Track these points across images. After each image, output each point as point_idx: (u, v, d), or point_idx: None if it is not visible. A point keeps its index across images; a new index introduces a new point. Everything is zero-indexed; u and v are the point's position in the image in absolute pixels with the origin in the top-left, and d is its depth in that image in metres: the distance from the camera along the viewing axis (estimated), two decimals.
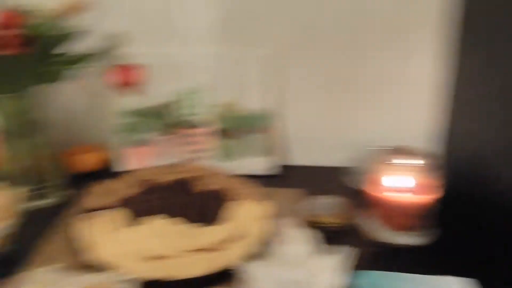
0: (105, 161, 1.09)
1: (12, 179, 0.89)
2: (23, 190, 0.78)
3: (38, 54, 0.75)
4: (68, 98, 1.11)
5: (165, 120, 1.04)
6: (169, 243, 0.74)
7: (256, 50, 1.03)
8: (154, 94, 0.94)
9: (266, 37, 1.04)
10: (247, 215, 0.81)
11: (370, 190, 0.82)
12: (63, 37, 0.82)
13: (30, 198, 0.79)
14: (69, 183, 0.99)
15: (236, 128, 1.05)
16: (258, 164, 1.07)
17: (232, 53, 1.04)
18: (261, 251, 0.74)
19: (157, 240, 0.75)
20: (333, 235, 0.80)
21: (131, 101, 1.02)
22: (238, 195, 0.88)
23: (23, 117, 0.85)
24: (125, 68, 0.78)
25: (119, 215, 0.84)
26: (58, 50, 0.82)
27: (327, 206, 0.88)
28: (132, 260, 0.72)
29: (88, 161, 1.05)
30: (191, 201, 0.88)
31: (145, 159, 1.06)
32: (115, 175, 1.06)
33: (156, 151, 1.07)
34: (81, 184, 1.01)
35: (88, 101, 1.13)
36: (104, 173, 1.07)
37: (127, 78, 0.77)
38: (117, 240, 0.78)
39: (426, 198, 0.79)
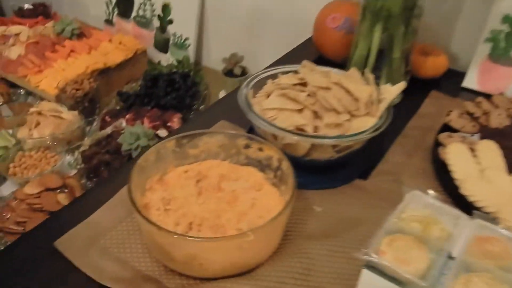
0: (448, 71, 0.89)
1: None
2: (396, 86, 0.64)
3: None
4: None
5: None
6: None
7: None
8: None
9: None
10: None
11: None
12: None
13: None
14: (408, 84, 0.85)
15: None
16: None
17: None
18: None
19: None
20: None
21: None
22: None
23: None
24: None
25: (488, 148, 0.65)
26: None
27: None
28: None
29: (432, 65, 0.87)
30: None
31: (507, 83, 0.83)
32: (459, 91, 0.87)
33: None
34: (421, 88, 0.86)
35: None
36: (447, 85, 0.89)
37: None
38: (493, 183, 0.61)
39: None
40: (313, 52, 0.98)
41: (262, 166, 0.60)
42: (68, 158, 1.05)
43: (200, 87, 1.22)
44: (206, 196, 0.57)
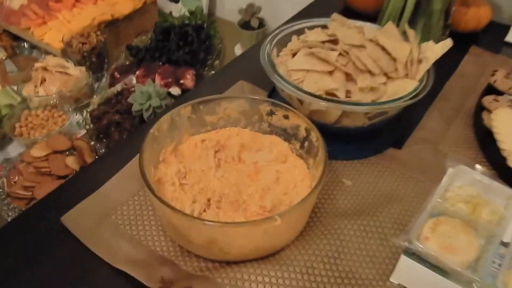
0: (490, 24, 0.80)
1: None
2: (441, 43, 0.56)
3: None
4: None
5: None
6: None
7: None
8: None
9: None
10: None
11: None
12: None
13: None
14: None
15: None
16: None
17: None
18: None
19: None
20: None
21: None
22: None
23: None
24: None
25: None
26: None
27: None
28: None
29: (473, 16, 0.78)
30: None
31: None
32: (501, 46, 0.79)
33: None
34: (459, 43, 0.78)
35: None
36: (489, 39, 0.80)
37: None
38: None
39: None
40: (338, 3, 0.89)
41: (287, 135, 0.54)
42: (76, 117, 0.99)
43: (214, 40, 1.14)
44: (225, 168, 0.52)
